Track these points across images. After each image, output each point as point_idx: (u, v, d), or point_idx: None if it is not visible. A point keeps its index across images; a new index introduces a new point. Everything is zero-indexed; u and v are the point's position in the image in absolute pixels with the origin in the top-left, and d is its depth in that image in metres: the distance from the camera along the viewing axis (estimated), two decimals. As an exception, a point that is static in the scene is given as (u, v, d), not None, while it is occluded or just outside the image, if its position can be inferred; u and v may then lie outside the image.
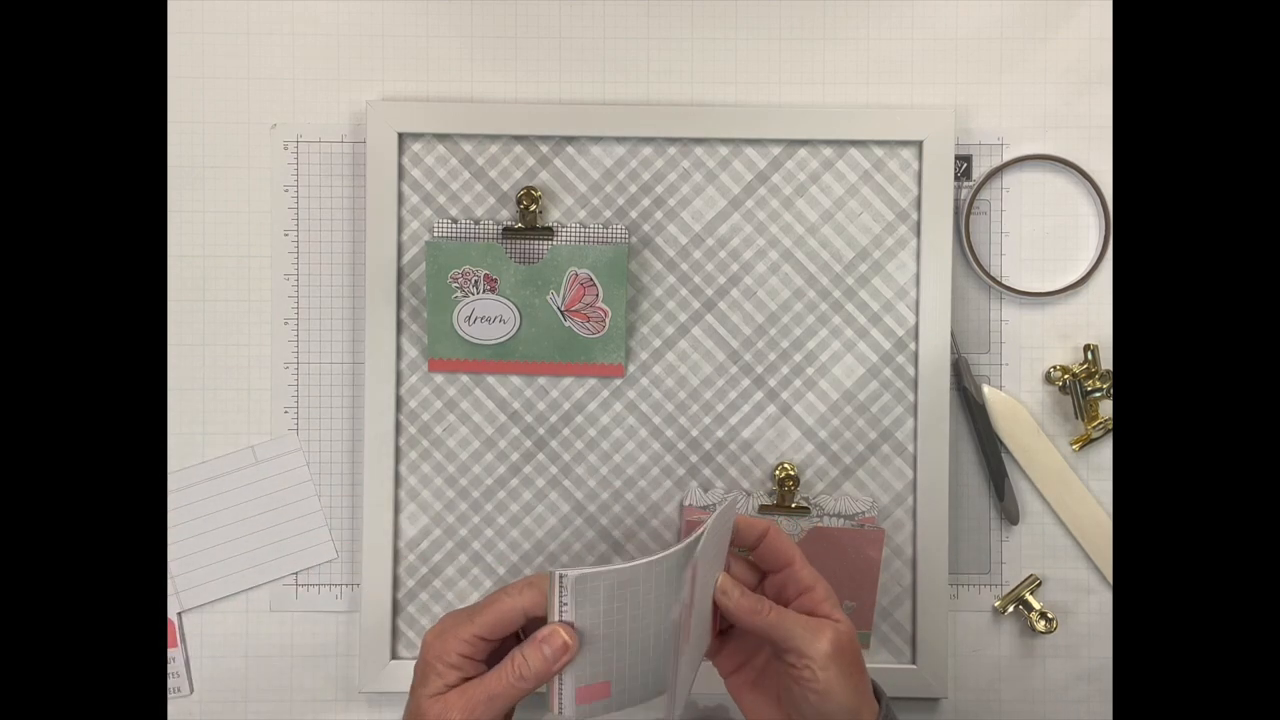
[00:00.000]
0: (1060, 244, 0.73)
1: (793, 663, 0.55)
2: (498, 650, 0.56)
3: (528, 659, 0.54)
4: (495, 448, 0.72)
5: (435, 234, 0.71)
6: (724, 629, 0.61)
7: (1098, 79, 0.72)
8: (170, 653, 0.72)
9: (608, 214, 0.72)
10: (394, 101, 0.72)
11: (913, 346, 0.71)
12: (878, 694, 0.59)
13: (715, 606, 0.58)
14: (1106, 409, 0.71)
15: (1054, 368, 0.72)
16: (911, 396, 0.71)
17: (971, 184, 0.72)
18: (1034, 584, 0.72)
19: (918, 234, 0.71)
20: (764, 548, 0.59)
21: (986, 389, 0.72)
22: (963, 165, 0.72)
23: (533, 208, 0.70)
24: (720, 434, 0.72)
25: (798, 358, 0.72)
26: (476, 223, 0.71)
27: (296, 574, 0.72)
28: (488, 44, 0.73)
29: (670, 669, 0.56)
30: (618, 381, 0.72)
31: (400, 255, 0.71)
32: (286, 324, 0.73)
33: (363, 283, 0.71)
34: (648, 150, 0.72)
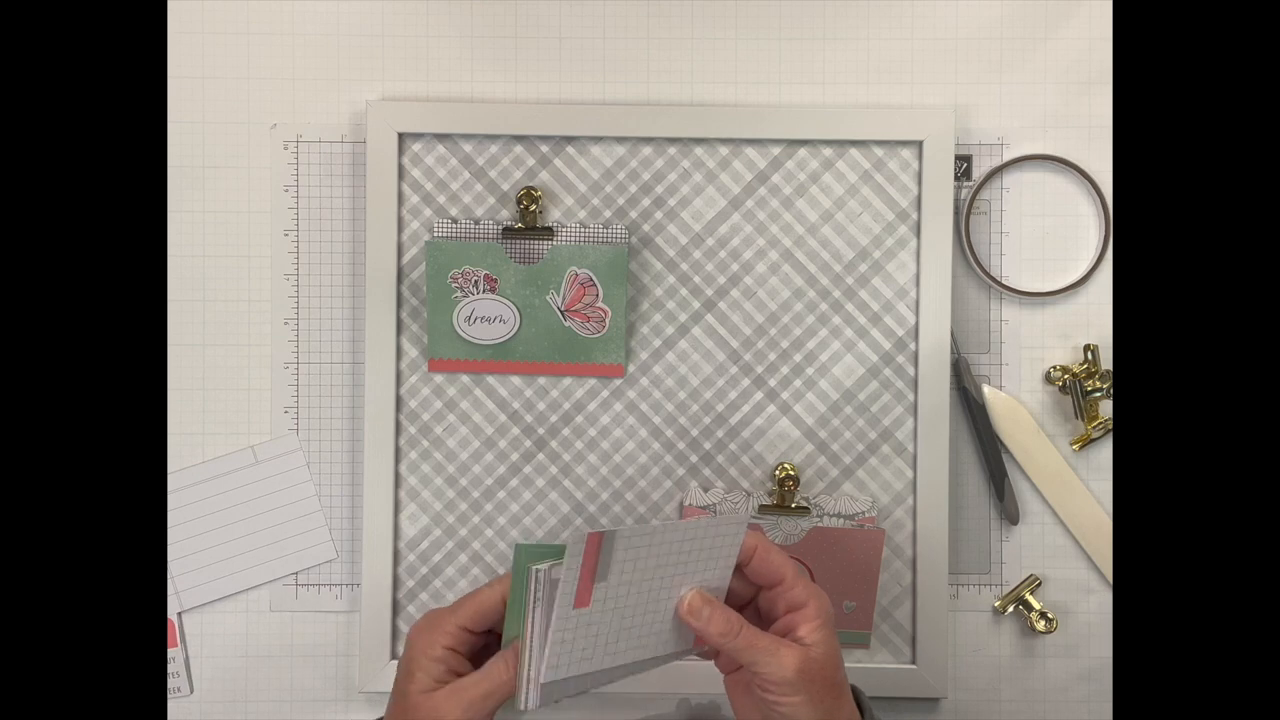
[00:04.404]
0: (1060, 244, 0.73)
1: (759, 685, 0.55)
2: (478, 646, 0.57)
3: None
4: (495, 448, 0.72)
5: (435, 234, 0.71)
6: None
7: (1098, 79, 0.72)
8: (170, 653, 0.72)
9: (608, 214, 0.72)
10: (394, 101, 0.72)
11: (913, 346, 0.71)
12: (864, 710, 0.58)
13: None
14: (1106, 409, 0.71)
15: (1054, 368, 0.72)
16: (911, 396, 0.71)
17: (971, 184, 0.72)
18: (1034, 584, 0.72)
19: (918, 234, 0.71)
20: (754, 564, 0.58)
21: (986, 389, 0.72)
22: (963, 165, 0.72)
23: (533, 208, 0.70)
24: (720, 434, 0.72)
25: (798, 358, 0.72)
26: (476, 223, 0.71)
27: (296, 574, 0.72)
28: (488, 44, 0.73)
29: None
30: (618, 381, 0.72)
31: (400, 255, 0.71)
32: (286, 324, 0.73)
33: (363, 283, 0.71)
34: (648, 150, 0.72)
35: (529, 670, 0.54)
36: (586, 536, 0.52)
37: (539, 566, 0.53)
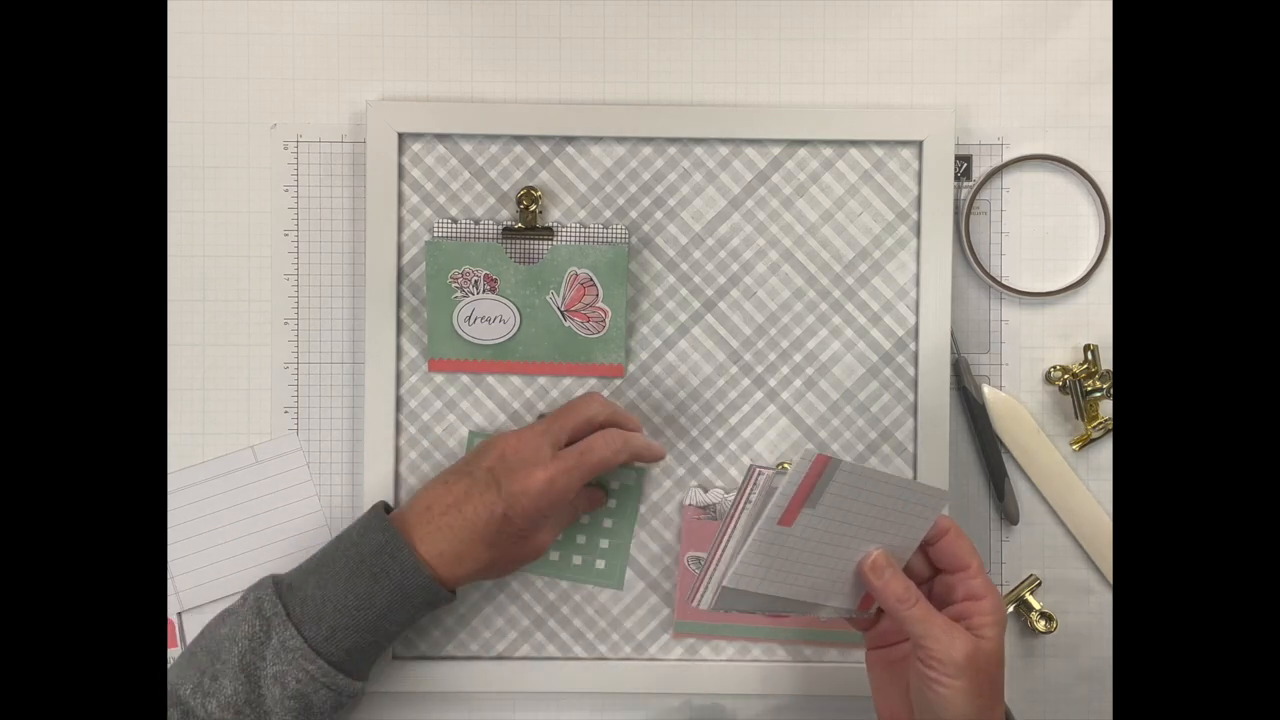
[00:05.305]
0: (1060, 244, 0.73)
1: (923, 659, 0.56)
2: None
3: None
4: (495, 448, 0.72)
5: (435, 234, 0.71)
6: None
7: (1098, 79, 0.72)
8: (170, 653, 0.72)
9: (608, 214, 0.72)
10: (394, 101, 0.72)
11: (913, 346, 0.71)
12: None
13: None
14: (1106, 409, 0.71)
15: (1054, 368, 0.72)
16: (911, 396, 0.71)
17: (971, 184, 0.72)
18: (1034, 584, 0.72)
19: (918, 234, 0.71)
20: (942, 545, 0.59)
21: (986, 389, 0.72)
22: (963, 165, 0.72)
23: (533, 208, 0.70)
24: (720, 434, 0.72)
25: (798, 358, 0.72)
26: (476, 223, 0.71)
27: (296, 574, 0.72)
28: (488, 44, 0.73)
29: (717, 552, 0.57)
30: (618, 381, 0.72)
31: (400, 255, 0.71)
32: (286, 324, 0.73)
33: (363, 283, 0.71)
34: (648, 150, 0.72)
35: (715, 569, 0.56)
36: (815, 457, 0.54)
37: (763, 469, 0.55)
